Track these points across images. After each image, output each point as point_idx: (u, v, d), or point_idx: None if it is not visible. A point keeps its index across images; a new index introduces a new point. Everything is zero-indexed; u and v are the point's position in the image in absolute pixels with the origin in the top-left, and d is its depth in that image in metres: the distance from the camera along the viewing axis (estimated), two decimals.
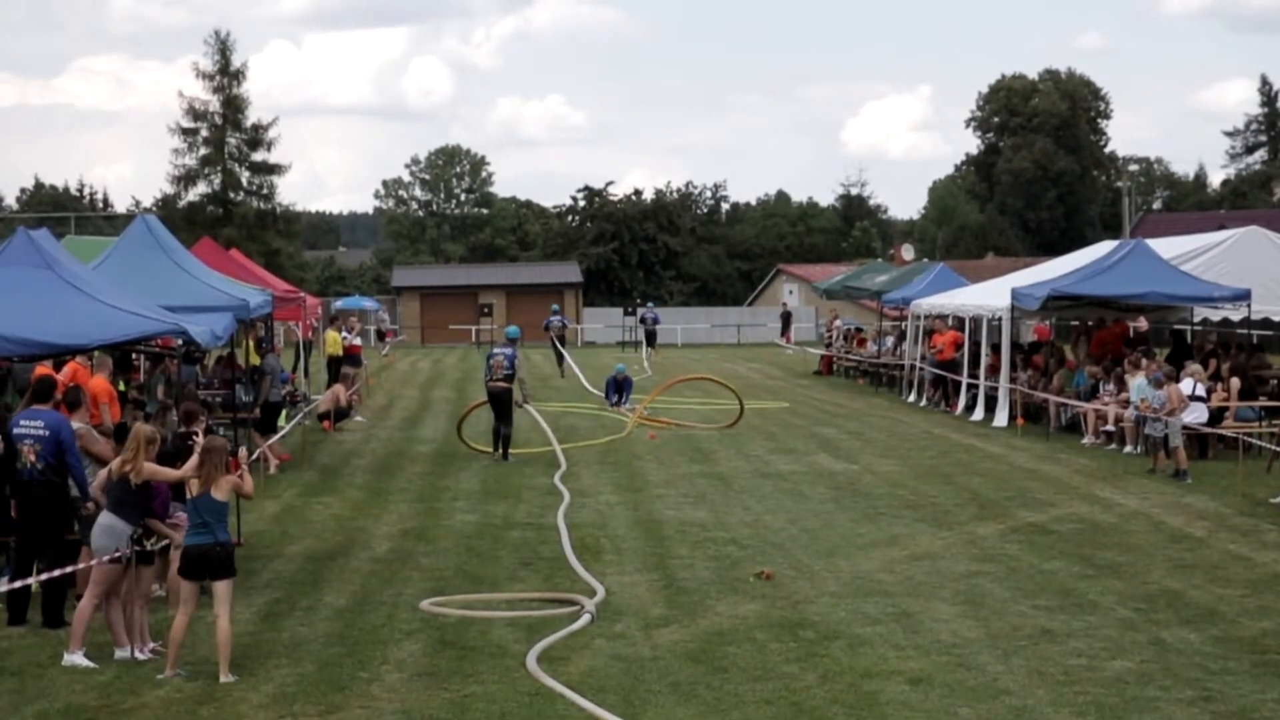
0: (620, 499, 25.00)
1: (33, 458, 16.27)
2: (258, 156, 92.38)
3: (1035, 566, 19.03)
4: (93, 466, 16.51)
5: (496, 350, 30.96)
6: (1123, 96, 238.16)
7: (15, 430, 16.47)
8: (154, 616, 15.63)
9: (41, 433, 16.40)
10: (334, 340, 42.99)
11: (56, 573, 15.57)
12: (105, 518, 14.78)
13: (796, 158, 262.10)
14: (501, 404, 30.26)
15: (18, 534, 16.70)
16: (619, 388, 41.86)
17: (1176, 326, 38.19)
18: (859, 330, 58.82)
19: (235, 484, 14.34)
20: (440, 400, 44.62)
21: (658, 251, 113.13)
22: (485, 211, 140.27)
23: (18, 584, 15.70)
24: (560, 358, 56.18)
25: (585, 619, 16.01)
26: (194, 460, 15.46)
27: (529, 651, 14.56)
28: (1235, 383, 30.16)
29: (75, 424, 16.82)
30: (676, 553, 20.12)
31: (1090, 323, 38.26)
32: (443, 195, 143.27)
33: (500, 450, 30.22)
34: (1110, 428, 30.97)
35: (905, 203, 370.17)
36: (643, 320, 72.57)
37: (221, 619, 14.00)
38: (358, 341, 44.90)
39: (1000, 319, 36.88)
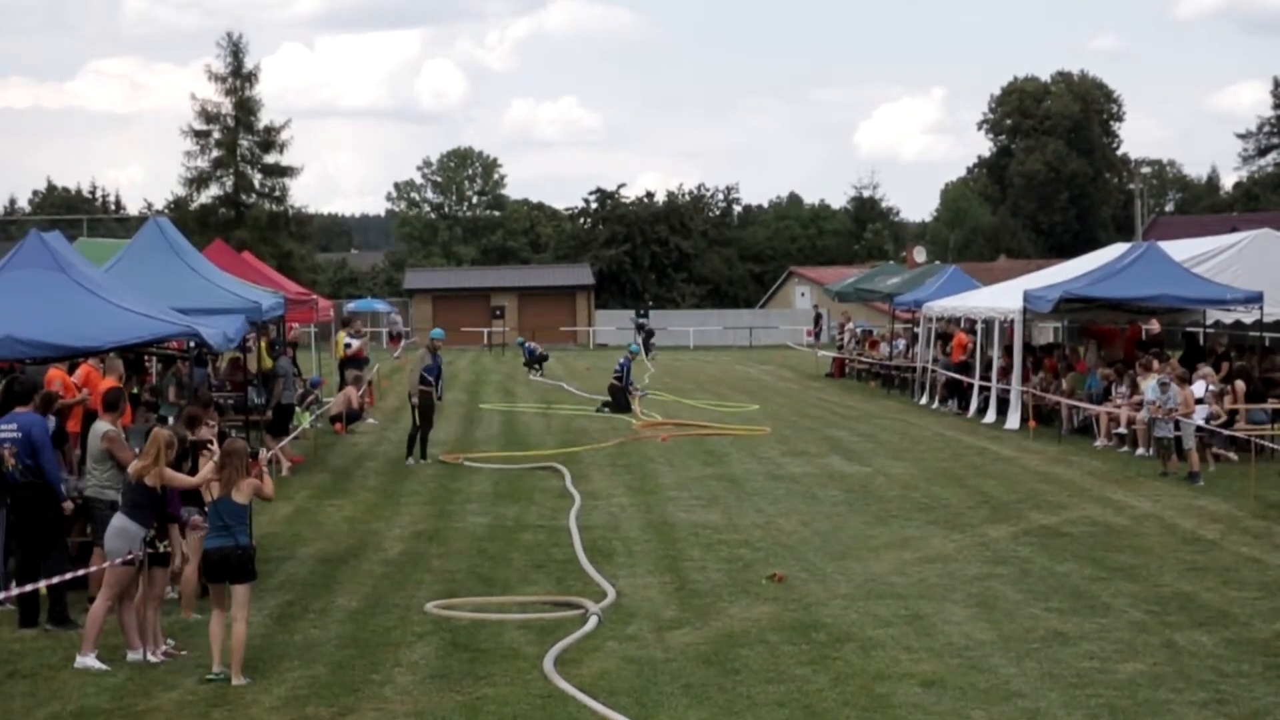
0: (632, 501, 25.00)
1: (13, 460, 16.45)
2: (270, 159, 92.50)
3: (1047, 569, 19.02)
4: (113, 470, 16.53)
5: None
6: (1135, 99, 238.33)
7: None
8: (165, 619, 15.63)
9: (15, 434, 16.56)
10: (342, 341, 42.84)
11: (66, 577, 15.58)
12: (118, 520, 14.80)
13: (809, 160, 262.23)
14: (415, 405, 30.65)
15: (15, 538, 16.78)
16: (624, 367, 41.81)
17: (1189, 329, 38.15)
18: (870, 333, 58.82)
19: (255, 486, 14.36)
20: (452, 403, 44.57)
21: (670, 254, 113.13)
22: (497, 214, 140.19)
23: (29, 587, 15.68)
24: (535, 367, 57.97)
25: (594, 620, 16.02)
26: (210, 467, 15.50)
27: (545, 655, 14.56)
28: (1240, 386, 30.16)
29: (106, 426, 16.87)
30: (689, 555, 20.12)
31: (1094, 325, 38.22)
32: (455, 197, 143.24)
33: (414, 450, 30.39)
34: (1123, 430, 30.92)
35: (917, 205, 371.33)
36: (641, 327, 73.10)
37: (238, 622, 14.04)
38: (360, 344, 43.50)
39: (1012, 321, 36.84)
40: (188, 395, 24.03)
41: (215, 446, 16.06)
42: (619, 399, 41.10)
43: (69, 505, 16.79)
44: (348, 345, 42.60)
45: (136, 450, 16.30)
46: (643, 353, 67.27)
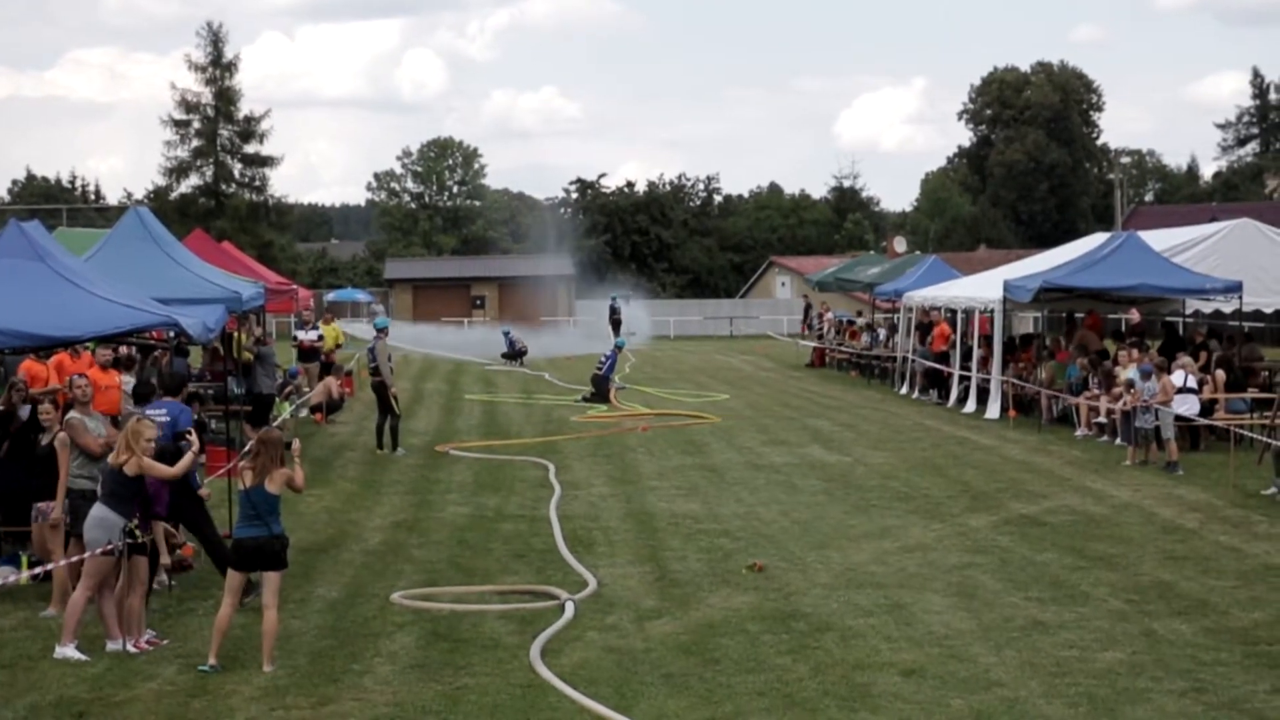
0: (612, 491, 25.00)
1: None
2: (250, 148, 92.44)
3: (1027, 558, 19.05)
4: (82, 458, 16.53)
5: (370, 345, 31.61)
6: (1115, 89, 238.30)
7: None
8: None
9: (164, 419, 17.13)
10: (330, 334, 42.39)
11: (59, 563, 15.57)
12: (97, 510, 14.78)
13: (790, 150, 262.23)
14: (378, 396, 30.67)
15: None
16: (609, 361, 41.72)
17: (1168, 318, 38.23)
18: (851, 323, 58.81)
19: (288, 476, 14.36)
20: (432, 393, 44.56)
21: (650, 244, 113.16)
22: (478, 204, 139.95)
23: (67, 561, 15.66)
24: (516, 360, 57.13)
25: (570, 609, 16.03)
26: (187, 459, 15.48)
27: (526, 645, 14.58)
28: (1220, 375, 30.23)
29: (71, 414, 16.94)
30: (669, 545, 20.12)
31: (1078, 315, 38.25)
32: (435, 187, 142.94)
33: (390, 441, 30.40)
34: (1103, 420, 30.96)
35: (898, 195, 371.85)
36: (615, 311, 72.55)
37: (270, 609, 14.14)
38: (312, 335, 41.38)
39: (992, 311, 36.87)
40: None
41: (194, 437, 16.05)
42: (601, 389, 41.08)
43: (206, 493, 17.32)
44: (294, 339, 41.85)
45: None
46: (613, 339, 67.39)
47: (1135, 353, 30.65)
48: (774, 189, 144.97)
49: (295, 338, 41.85)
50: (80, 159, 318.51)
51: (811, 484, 25.70)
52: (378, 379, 30.34)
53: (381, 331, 31.76)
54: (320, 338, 40.94)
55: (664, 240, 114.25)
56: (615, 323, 69.79)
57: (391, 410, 30.41)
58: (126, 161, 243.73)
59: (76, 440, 16.63)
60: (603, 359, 42.36)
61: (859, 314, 60.68)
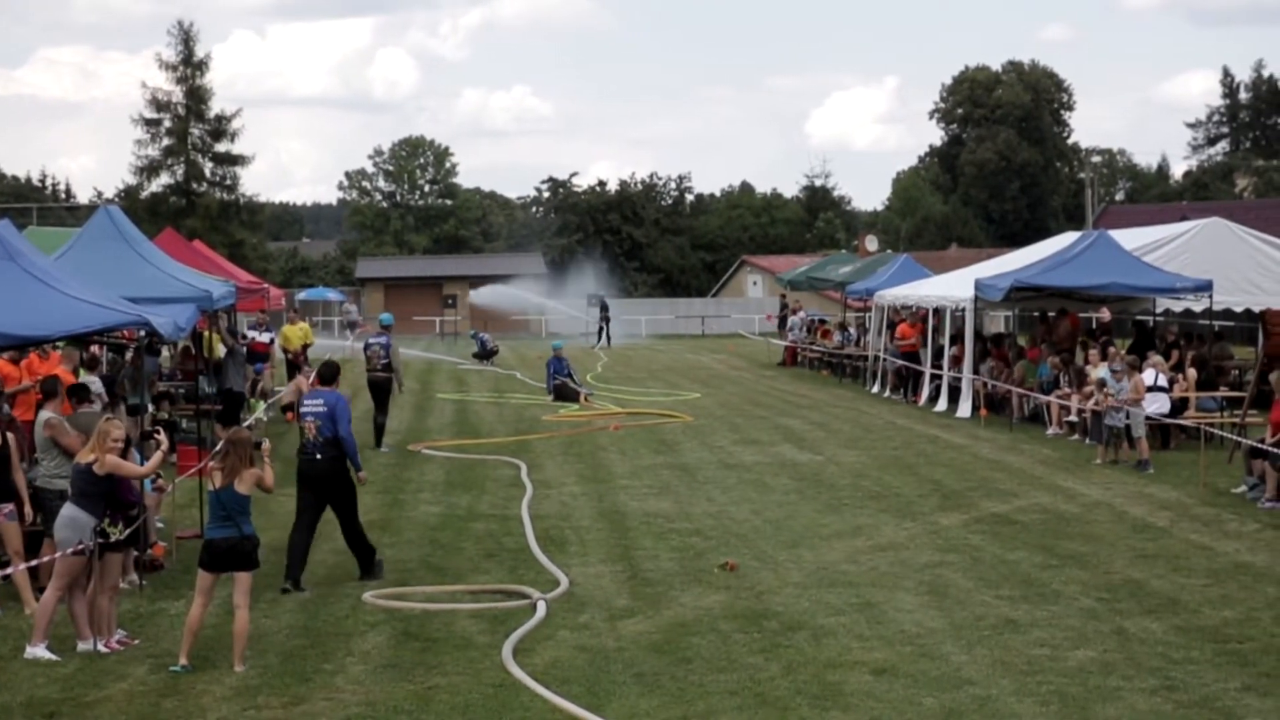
0: (584, 490, 24.98)
1: (313, 433, 17.64)
2: (221, 147, 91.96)
3: (998, 557, 19.09)
4: (60, 458, 16.47)
5: (372, 340, 31.55)
6: (1086, 88, 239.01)
7: (301, 410, 18.19)
8: (119, 608, 15.54)
9: (321, 409, 17.73)
10: (297, 333, 42.17)
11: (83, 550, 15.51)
12: (68, 509, 14.74)
13: (761, 149, 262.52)
14: (382, 393, 30.72)
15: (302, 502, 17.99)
16: (560, 366, 41.33)
17: (1139, 317, 38.30)
18: (823, 321, 58.83)
19: (258, 476, 14.34)
20: (405, 391, 44.42)
21: (622, 243, 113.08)
22: (449, 203, 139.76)
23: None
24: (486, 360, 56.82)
25: (542, 608, 16.03)
26: (156, 458, 15.45)
27: (497, 644, 14.57)
28: (1191, 374, 30.32)
29: (46, 414, 16.86)
30: (640, 544, 20.12)
31: (1052, 314, 38.35)
32: (406, 186, 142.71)
33: (375, 440, 30.38)
34: (1074, 418, 31.02)
35: (869, 194, 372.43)
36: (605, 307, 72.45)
37: (241, 609, 14.14)
38: (265, 338, 40.90)
39: (964, 310, 36.92)
40: (142, 385, 23.95)
41: (162, 437, 16.01)
42: (563, 392, 40.80)
43: (363, 476, 18.45)
44: (243, 337, 41.43)
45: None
46: (602, 341, 67.41)
47: (1111, 350, 30.68)
48: (745, 188, 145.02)
49: (246, 336, 41.51)
50: (50, 158, 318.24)
51: (783, 483, 25.71)
52: (386, 375, 30.28)
53: (387, 328, 31.77)
54: (272, 340, 40.60)
55: (636, 239, 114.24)
56: (606, 319, 69.76)
57: (384, 408, 30.52)
58: (97, 160, 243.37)
59: (59, 440, 16.59)
60: (549, 372, 41.79)
61: (791, 311, 60.31)
